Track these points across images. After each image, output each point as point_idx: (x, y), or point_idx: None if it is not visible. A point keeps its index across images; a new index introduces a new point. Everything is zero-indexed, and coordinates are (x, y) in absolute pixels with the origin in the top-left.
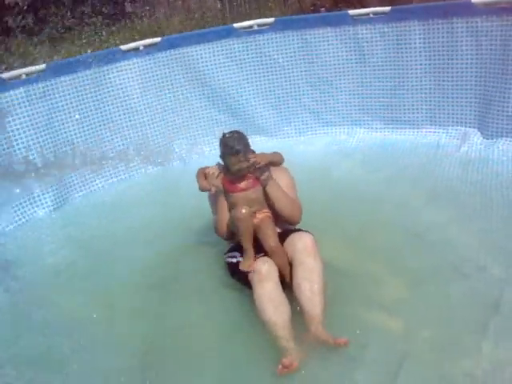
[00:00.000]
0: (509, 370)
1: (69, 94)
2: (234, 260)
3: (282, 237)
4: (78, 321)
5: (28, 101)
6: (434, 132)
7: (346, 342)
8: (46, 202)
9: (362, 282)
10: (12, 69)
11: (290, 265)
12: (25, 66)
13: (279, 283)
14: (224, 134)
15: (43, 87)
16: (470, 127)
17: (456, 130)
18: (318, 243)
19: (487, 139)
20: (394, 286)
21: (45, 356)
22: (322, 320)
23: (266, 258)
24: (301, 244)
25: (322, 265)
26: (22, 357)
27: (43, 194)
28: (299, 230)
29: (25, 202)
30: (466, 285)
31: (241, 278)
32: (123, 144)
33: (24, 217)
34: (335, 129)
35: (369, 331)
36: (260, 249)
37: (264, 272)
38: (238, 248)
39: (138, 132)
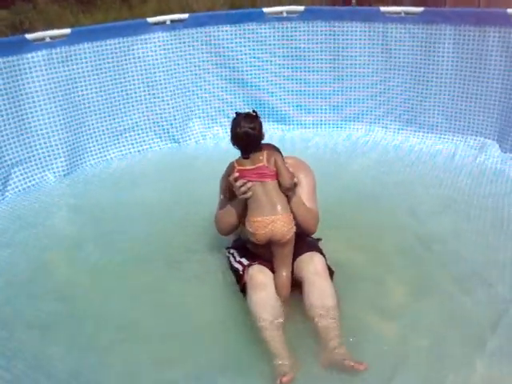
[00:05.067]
0: None
1: (90, 62)
2: (240, 268)
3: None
4: (76, 289)
5: (49, 64)
6: (453, 139)
7: (366, 366)
8: (58, 167)
9: (366, 284)
10: (36, 30)
11: (295, 284)
12: (50, 27)
13: (274, 291)
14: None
15: (66, 52)
16: (488, 139)
17: (475, 139)
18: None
19: (505, 153)
20: (396, 293)
21: (36, 319)
22: (339, 339)
23: (262, 267)
24: (311, 266)
25: (332, 285)
26: (13, 318)
27: (55, 159)
28: (310, 246)
29: (36, 164)
30: (468, 300)
31: (242, 289)
32: (139, 117)
33: (34, 179)
34: (354, 125)
35: (367, 334)
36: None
37: (260, 280)
38: (245, 250)
39: (156, 107)
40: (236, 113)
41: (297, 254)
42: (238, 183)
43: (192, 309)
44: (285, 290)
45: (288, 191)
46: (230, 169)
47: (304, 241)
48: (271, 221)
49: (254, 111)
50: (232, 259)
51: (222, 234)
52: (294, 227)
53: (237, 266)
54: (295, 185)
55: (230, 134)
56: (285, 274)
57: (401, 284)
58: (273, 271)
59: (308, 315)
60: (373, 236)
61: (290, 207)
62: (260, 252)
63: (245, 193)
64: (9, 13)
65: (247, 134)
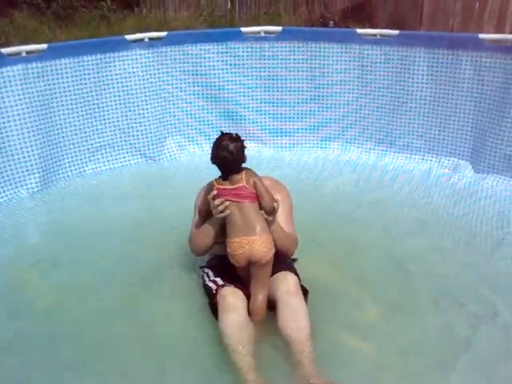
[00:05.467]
0: None
1: (67, 78)
2: (214, 287)
3: None
4: (46, 308)
5: (25, 79)
6: (427, 160)
7: None
8: (31, 183)
9: (340, 303)
10: (13, 44)
11: (269, 303)
12: (26, 42)
13: (245, 313)
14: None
15: (42, 67)
16: (462, 159)
17: (448, 160)
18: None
19: (478, 173)
20: (371, 311)
21: (11, 341)
22: (312, 360)
23: (235, 290)
24: (285, 286)
25: (306, 305)
26: None
27: (29, 174)
28: (284, 265)
29: (9, 180)
30: (441, 318)
31: (213, 309)
32: (116, 134)
33: (6, 195)
34: (329, 144)
35: (341, 353)
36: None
37: (231, 302)
38: (220, 270)
39: (132, 124)
40: (221, 132)
41: (272, 272)
42: (216, 202)
43: (164, 327)
44: (260, 313)
45: (269, 214)
46: (209, 187)
47: (278, 259)
48: (249, 241)
49: (236, 134)
50: (206, 278)
51: (196, 255)
52: (274, 248)
53: (210, 284)
54: (275, 209)
55: (210, 152)
56: (261, 296)
57: (375, 303)
58: (247, 294)
59: (281, 335)
60: (347, 255)
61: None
62: (237, 271)
63: (222, 211)
64: None
65: (225, 158)
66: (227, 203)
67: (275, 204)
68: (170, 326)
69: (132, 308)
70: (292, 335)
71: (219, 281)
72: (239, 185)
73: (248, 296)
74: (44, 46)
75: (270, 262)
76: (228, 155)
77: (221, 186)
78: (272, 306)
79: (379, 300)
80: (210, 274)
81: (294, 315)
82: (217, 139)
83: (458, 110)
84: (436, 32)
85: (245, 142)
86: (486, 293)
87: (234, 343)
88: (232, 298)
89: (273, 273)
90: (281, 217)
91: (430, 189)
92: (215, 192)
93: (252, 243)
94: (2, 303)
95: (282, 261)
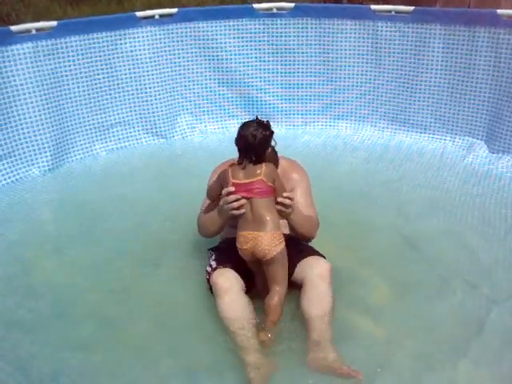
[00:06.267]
0: None
1: (77, 55)
2: (209, 270)
3: (293, 254)
4: (59, 287)
5: (35, 57)
6: (441, 139)
7: (361, 375)
8: (43, 162)
9: (352, 283)
10: (23, 22)
11: (292, 284)
12: (37, 20)
13: (241, 292)
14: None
15: (52, 45)
16: (477, 139)
17: (463, 139)
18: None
19: (493, 153)
20: (382, 293)
21: (22, 317)
22: (331, 343)
23: (225, 271)
24: (317, 269)
25: (333, 293)
26: None
27: (40, 153)
28: (315, 251)
29: (21, 159)
30: (452, 300)
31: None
32: (127, 112)
33: (19, 174)
34: (342, 122)
35: (352, 334)
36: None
37: (223, 285)
38: (222, 252)
39: (143, 101)
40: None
41: (301, 257)
42: (232, 197)
43: (174, 308)
44: (276, 315)
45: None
46: (223, 176)
47: (305, 245)
48: (254, 237)
49: (267, 122)
50: (208, 261)
51: (202, 236)
52: (281, 245)
53: (207, 268)
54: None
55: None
56: (277, 298)
57: (387, 284)
58: (241, 270)
59: (302, 314)
60: (360, 236)
61: (290, 221)
62: (248, 265)
63: (236, 208)
64: None
65: (247, 139)
66: (243, 201)
67: (292, 202)
68: (180, 306)
69: (143, 288)
70: (316, 317)
71: (214, 264)
72: (257, 178)
73: (242, 273)
74: (54, 23)
75: (277, 259)
76: (250, 138)
77: (236, 181)
78: (298, 287)
79: (392, 281)
80: (213, 256)
81: (320, 298)
82: (247, 121)
83: (473, 88)
84: (452, 8)
85: (273, 137)
86: (499, 275)
87: (233, 326)
88: (222, 281)
89: (304, 256)
90: (300, 199)
91: (444, 168)
92: (232, 189)
93: (256, 239)
94: (14, 281)
95: (308, 246)
